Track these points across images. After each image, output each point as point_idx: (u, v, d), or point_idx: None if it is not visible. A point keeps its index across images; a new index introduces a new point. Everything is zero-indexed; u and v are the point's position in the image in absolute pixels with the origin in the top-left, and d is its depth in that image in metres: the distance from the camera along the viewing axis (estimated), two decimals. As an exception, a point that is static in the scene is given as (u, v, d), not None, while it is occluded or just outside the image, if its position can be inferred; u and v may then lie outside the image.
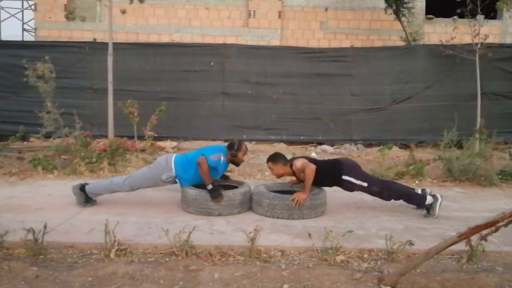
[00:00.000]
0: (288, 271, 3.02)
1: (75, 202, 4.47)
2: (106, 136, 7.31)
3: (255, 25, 11.82)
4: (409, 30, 10.90)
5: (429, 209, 4.34)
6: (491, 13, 9.03)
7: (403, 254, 3.30)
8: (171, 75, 9.00)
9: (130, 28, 11.63)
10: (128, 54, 8.90)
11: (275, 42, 11.61)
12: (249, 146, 7.21)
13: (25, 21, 16.39)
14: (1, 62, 8.84)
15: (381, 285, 2.81)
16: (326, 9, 11.91)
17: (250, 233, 3.23)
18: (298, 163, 4.34)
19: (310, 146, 8.93)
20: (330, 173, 4.44)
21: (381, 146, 7.04)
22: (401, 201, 4.52)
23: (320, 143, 8.98)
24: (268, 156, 4.67)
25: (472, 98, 8.16)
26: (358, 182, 4.40)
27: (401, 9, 10.39)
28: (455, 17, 8.47)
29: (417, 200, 4.46)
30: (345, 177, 4.40)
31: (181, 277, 2.93)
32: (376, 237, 3.73)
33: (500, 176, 6.03)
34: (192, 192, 4.29)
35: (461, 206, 4.89)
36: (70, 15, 11.65)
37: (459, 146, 6.42)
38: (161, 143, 8.23)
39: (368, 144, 8.92)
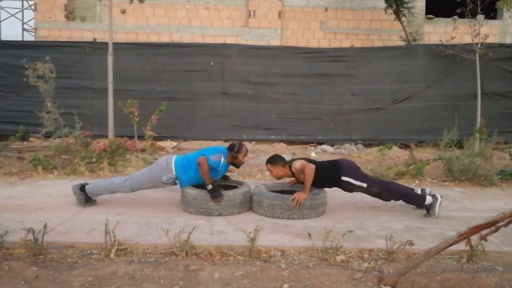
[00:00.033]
0: (288, 271, 3.02)
1: (75, 202, 4.47)
2: (106, 136, 7.31)
3: (255, 25, 11.82)
4: (409, 30, 10.90)
5: (429, 209, 4.34)
6: (491, 13, 9.04)
7: (403, 254, 3.30)
8: (171, 75, 9.00)
9: (130, 28, 11.63)
10: (128, 54, 8.90)
11: (275, 42, 11.61)
12: (249, 146, 7.24)
13: (25, 21, 16.39)
14: (1, 62, 8.84)
15: (381, 285, 2.81)
16: (326, 9, 11.91)
17: (250, 233, 3.23)
18: (297, 164, 4.34)
19: (310, 146, 8.93)
20: (329, 174, 4.44)
21: (381, 146, 7.03)
22: (401, 201, 4.52)
23: (320, 143, 8.98)
24: (267, 158, 4.67)
25: (472, 98, 8.16)
26: (358, 183, 4.40)
27: (401, 9, 10.39)
28: (455, 17, 8.47)
29: (416, 200, 4.46)
30: (344, 178, 4.40)
31: (181, 277, 2.93)
32: (376, 237, 3.73)
33: (500, 176, 6.03)
34: (192, 192, 4.29)
35: (461, 206, 4.89)
36: (70, 15, 11.65)
37: (459, 146, 6.41)
38: (161, 143, 8.23)
39: (368, 144, 8.92)
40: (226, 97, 9.06)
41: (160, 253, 3.33)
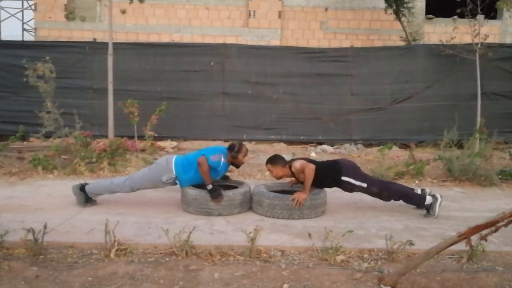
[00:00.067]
0: (288, 271, 3.02)
1: (75, 202, 4.47)
2: (106, 136, 7.31)
3: (255, 25, 11.82)
4: (409, 30, 10.90)
5: (429, 209, 4.34)
6: (491, 13, 9.04)
7: (403, 254, 3.30)
8: (171, 75, 9.00)
9: (130, 28, 11.63)
10: (128, 54, 8.90)
11: (275, 42, 11.61)
12: (249, 146, 7.23)
13: (25, 21, 16.39)
14: (1, 62, 8.84)
15: (381, 285, 2.81)
16: (326, 9, 11.91)
17: (250, 233, 3.23)
18: (297, 164, 4.34)
19: (310, 146, 8.93)
20: (329, 174, 4.44)
21: (381, 146, 7.03)
22: (401, 201, 4.52)
23: (320, 143, 8.98)
24: (267, 158, 4.67)
25: (472, 98, 8.16)
26: (358, 183, 4.40)
27: (401, 9, 10.39)
28: (455, 17, 8.47)
29: (416, 200, 4.46)
30: (344, 178, 4.40)
31: (181, 277, 2.93)
32: (376, 237, 3.73)
33: (500, 176, 6.03)
34: (192, 192, 4.29)
35: (461, 206, 4.89)
36: (70, 15, 11.65)
37: (459, 146, 6.41)
38: (161, 143, 8.23)
39: (368, 144, 8.92)
40: (226, 97, 9.06)
41: (160, 253, 3.33)
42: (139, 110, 7.03)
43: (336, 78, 9.07)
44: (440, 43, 8.67)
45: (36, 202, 4.63)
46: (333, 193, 4.64)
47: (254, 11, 11.80)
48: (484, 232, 2.73)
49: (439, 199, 4.35)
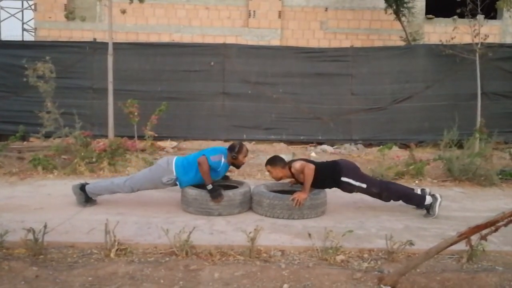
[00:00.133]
0: (288, 271, 3.02)
1: (75, 202, 4.47)
2: (106, 136, 7.31)
3: (255, 25, 11.82)
4: (409, 30, 10.90)
5: (429, 209, 4.34)
6: (491, 13, 9.04)
7: (403, 254, 3.30)
8: (171, 75, 9.01)
9: (130, 28, 11.63)
10: (128, 54, 8.90)
11: (275, 42, 11.61)
12: (249, 146, 7.24)
13: (25, 21, 16.39)
14: (1, 62, 8.85)
15: (381, 285, 2.81)
16: (326, 9, 11.91)
17: (250, 233, 3.23)
18: (297, 165, 4.34)
19: (310, 146, 8.93)
20: (329, 175, 4.43)
21: (381, 146, 7.03)
22: (400, 201, 4.52)
23: (320, 143, 8.98)
24: (267, 159, 4.67)
25: (472, 98, 8.16)
26: (357, 183, 4.40)
27: (401, 9, 10.39)
28: (455, 17, 8.48)
29: (416, 200, 4.46)
30: (344, 179, 4.40)
31: (181, 277, 2.93)
32: (376, 237, 3.73)
33: (500, 176, 6.03)
34: (192, 192, 4.29)
35: (461, 206, 4.89)
36: (70, 15, 11.65)
37: (459, 146, 6.41)
38: (161, 143, 8.23)
39: (368, 144, 8.92)
40: (226, 97, 9.06)
41: (160, 253, 3.33)
42: (139, 110, 7.03)
43: (336, 78, 9.07)
44: (440, 43, 8.67)
45: (36, 202, 4.63)
46: (333, 193, 4.64)
47: (254, 11, 11.80)
48: (484, 232, 2.73)
49: (439, 199, 4.35)
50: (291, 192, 4.32)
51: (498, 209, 3.87)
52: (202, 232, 3.70)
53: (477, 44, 7.94)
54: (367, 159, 7.70)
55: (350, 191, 4.49)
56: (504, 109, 8.88)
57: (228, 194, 4.26)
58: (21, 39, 14.28)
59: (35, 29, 11.99)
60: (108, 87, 7.31)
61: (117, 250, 3.26)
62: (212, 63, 9.01)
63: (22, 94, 8.51)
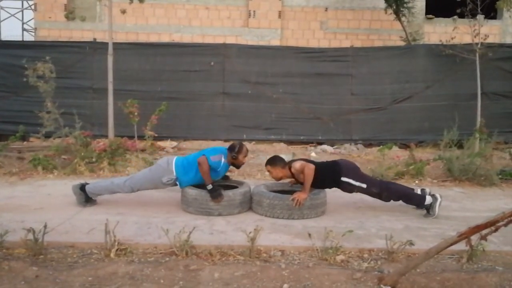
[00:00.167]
0: (288, 271, 3.02)
1: (75, 201, 4.47)
2: (106, 136, 7.32)
3: (255, 25, 11.82)
4: (409, 30, 10.90)
5: (429, 209, 4.34)
6: (491, 13, 9.04)
7: (403, 254, 3.30)
8: (171, 75, 9.01)
9: (130, 28, 11.63)
10: (128, 54, 8.90)
11: (275, 42, 11.61)
12: (249, 146, 7.24)
13: (25, 21, 16.39)
14: (1, 62, 8.85)
15: (381, 285, 2.81)
16: (326, 9, 11.91)
17: (250, 233, 3.23)
18: (297, 165, 4.34)
19: (310, 146, 8.93)
20: (329, 175, 4.43)
21: (381, 146, 7.03)
22: (400, 202, 4.52)
23: (320, 143, 8.98)
24: (266, 159, 4.67)
25: (472, 98, 8.16)
26: (357, 183, 4.40)
27: (401, 9, 10.39)
28: (455, 17, 8.48)
29: (416, 201, 4.46)
30: (344, 179, 4.40)
31: (181, 277, 2.94)
32: (376, 237, 3.73)
33: (500, 176, 6.03)
34: (192, 192, 4.29)
35: (461, 206, 4.89)
36: (70, 15, 11.65)
37: (459, 146, 6.41)
38: (161, 143, 8.23)
39: (368, 144, 8.92)
40: (226, 97, 9.06)
41: (160, 253, 3.33)
42: (139, 110, 7.03)
43: (336, 78, 9.07)
44: (440, 43, 8.67)
45: (36, 202, 4.63)
46: (333, 193, 4.64)
47: (254, 11, 11.80)
48: (484, 232, 2.73)
49: (439, 199, 4.34)
50: (291, 192, 4.32)
51: (498, 209, 3.88)
52: (202, 232, 3.70)
53: (477, 44, 7.94)
54: (367, 159, 7.70)
55: (350, 191, 4.49)
56: (504, 109, 8.88)
57: (228, 194, 4.26)
58: (21, 39, 14.28)
59: (35, 29, 11.99)
60: (108, 87, 7.31)
61: (117, 250, 3.26)
62: (212, 63, 9.01)
63: (22, 94, 8.51)
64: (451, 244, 2.75)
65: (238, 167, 4.66)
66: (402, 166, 6.39)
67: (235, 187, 4.51)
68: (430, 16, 11.88)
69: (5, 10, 15.85)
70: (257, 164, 6.86)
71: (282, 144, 8.92)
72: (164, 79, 9.00)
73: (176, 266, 3.07)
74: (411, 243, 3.20)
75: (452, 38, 8.32)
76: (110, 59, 7.29)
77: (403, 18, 10.54)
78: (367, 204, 4.70)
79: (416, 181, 6.06)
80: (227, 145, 4.64)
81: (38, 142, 7.43)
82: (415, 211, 4.49)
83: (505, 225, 2.64)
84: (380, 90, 9.04)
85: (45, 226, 3.23)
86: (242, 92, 9.02)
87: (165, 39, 11.52)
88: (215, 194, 4.19)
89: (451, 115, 7.41)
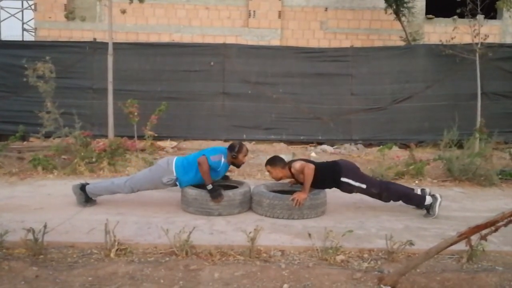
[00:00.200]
0: (288, 271, 3.02)
1: (75, 202, 4.47)
2: (106, 136, 7.31)
3: (255, 25, 11.82)
4: (409, 30, 10.90)
5: (429, 209, 4.34)
6: (491, 13, 9.04)
7: (403, 254, 3.30)
8: (171, 75, 9.01)
9: (130, 28, 11.63)
10: (128, 54, 8.90)
11: (275, 42, 11.61)
12: (249, 146, 7.23)
13: (25, 21, 16.39)
14: (1, 62, 8.85)
15: (381, 285, 2.81)
16: (326, 9, 11.91)
17: (250, 233, 3.23)
18: (297, 165, 4.34)
19: (310, 146, 8.93)
20: (328, 175, 4.43)
21: (381, 146, 7.03)
22: (400, 202, 4.52)
23: (320, 143, 8.98)
24: (266, 159, 4.67)
25: (472, 98, 8.16)
26: (357, 184, 4.40)
27: (401, 9, 10.39)
28: (455, 17, 8.48)
29: (416, 201, 4.46)
30: (343, 179, 4.40)
31: (181, 277, 2.94)
32: (376, 237, 3.73)
33: (500, 176, 6.03)
34: (192, 192, 4.29)
35: (461, 206, 4.89)
36: (70, 15, 11.65)
37: (459, 146, 6.42)
38: (161, 143, 8.23)
39: (368, 144, 8.92)
40: (226, 97, 9.06)
41: (160, 253, 3.33)
42: (139, 110, 7.02)
43: (336, 78, 9.07)
44: (440, 43, 8.67)
45: (36, 202, 4.63)
46: (333, 193, 4.64)
47: (254, 11, 11.80)
48: (484, 232, 2.73)
49: (439, 199, 4.34)
50: (291, 192, 4.32)
51: (498, 209, 3.88)
52: (202, 232, 3.70)
53: (477, 44, 7.94)
54: (367, 159, 7.70)
55: (350, 192, 4.49)
56: (504, 109, 8.88)
57: (228, 194, 4.26)
58: (21, 39, 14.28)
59: (35, 29, 11.99)
60: (108, 87, 7.31)
61: (117, 250, 3.26)
62: (212, 63, 9.01)
63: (22, 94, 8.51)
64: (451, 244, 2.75)
65: (238, 166, 4.66)
66: (402, 166, 6.39)
67: (235, 187, 4.51)
68: (430, 16, 11.88)
69: (5, 10, 15.86)
70: (257, 164, 6.86)
71: (282, 144, 8.92)
72: (164, 79, 9.00)
73: (176, 266, 3.07)
74: (411, 243, 3.20)
75: (452, 38, 8.32)
76: (110, 59, 7.29)
77: (403, 18, 10.54)
78: (367, 204, 4.70)
79: (416, 181, 6.06)
80: (227, 145, 4.64)
81: (38, 142, 7.43)
82: (415, 211, 4.49)
83: (505, 225, 2.64)
84: (380, 90, 9.04)
85: (45, 226, 3.23)
86: (242, 92, 9.02)
87: (165, 39, 11.52)
88: (215, 194, 4.19)
89: (451, 115, 7.41)
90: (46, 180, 5.75)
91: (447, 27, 10.26)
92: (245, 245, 3.30)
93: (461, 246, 2.94)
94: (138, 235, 3.64)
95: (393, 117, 8.97)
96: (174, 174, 4.36)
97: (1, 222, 3.81)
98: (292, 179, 4.60)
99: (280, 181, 4.67)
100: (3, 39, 13.04)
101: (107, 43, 7.46)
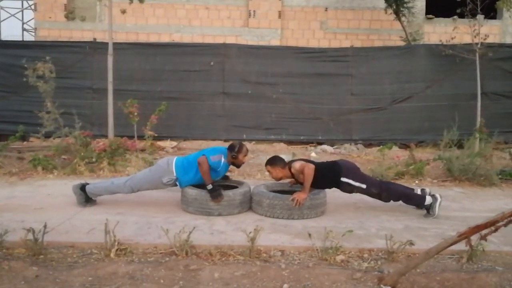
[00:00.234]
0: (288, 271, 3.02)
1: (75, 201, 4.47)
2: (106, 136, 7.32)
3: (255, 25, 11.82)
4: (409, 30, 10.90)
5: (429, 209, 4.34)
6: (491, 13, 9.03)
7: (403, 254, 3.30)
8: (171, 75, 9.01)
9: (130, 28, 11.63)
10: (128, 54, 8.90)
11: (275, 42, 11.61)
12: (249, 146, 7.23)
13: (25, 21, 16.40)
14: (1, 62, 8.86)
15: (381, 285, 2.81)
16: (326, 9, 11.91)
17: (250, 233, 3.23)
18: (297, 165, 4.34)
19: (310, 146, 8.93)
20: (328, 175, 4.43)
21: (381, 146, 7.03)
22: (400, 202, 4.52)
23: (320, 143, 8.99)
24: (266, 159, 4.67)
25: (472, 98, 8.17)
26: (357, 184, 4.40)
27: (401, 9, 10.39)
28: (455, 17, 8.48)
29: (416, 201, 4.46)
30: (343, 179, 4.40)
31: (181, 277, 2.94)
32: (376, 237, 3.73)
33: (500, 176, 6.03)
34: (192, 192, 4.29)
35: (461, 206, 4.89)
36: (70, 15, 11.65)
37: (459, 146, 6.42)
38: (161, 143, 8.23)
39: (368, 144, 8.92)
40: (226, 97, 9.07)
41: (160, 253, 3.34)
42: (139, 110, 7.01)
43: (336, 78, 9.07)
44: (440, 43, 8.67)
45: (36, 202, 4.63)
46: (333, 193, 4.64)
47: (254, 11, 11.80)
48: (484, 232, 2.73)
49: (439, 199, 4.34)
50: (291, 192, 4.32)
51: (498, 209, 3.87)
52: (202, 232, 3.70)
53: (477, 44, 7.94)
54: (367, 159, 7.70)
55: (350, 192, 4.49)
56: (504, 109, 8.88)
57: (228, 194, 4.26)
58: (21, 39, 14.29)
59: (35, 29, 11.99)
60: (108, 87, 7.31)
61: (117, 250, 3.26)
62: (212, 63, 9.01)
63: (22, 94, 8.51)
64: (451, 244, 2.75)
65: (238, 166, 4.66)
66: (402, 166, 6.39)
67: (235, 187, 4.51)
68: (430, 16, 11.88)
69: (5, 10, 15.86)
70: (257, 164, 6.86)
71: (282, 144, 8.92)
72: (164, 79, 9.01)
73: (176, 266, 3.07)
74: (411, 243, 3.20)
75: (452, 38, 8.31)
76: (110, 59, 7.29)
77: (403, 18, 10.54)
78: (367, 204, 4.70)
79: (416, 181, 6.06)
80: (227, 145, 4.64)
81: (38, 142, 7.43)
82: (415, 211, 4.49)
83: (505, 225, 2.64)
84: (380, 90, 9.04)
85: (45, 226, 3.23)
86: (242, 92, 9.02)
87: (165, 39, 11.52)
88: (215, 194, 4.18)
89: (451, 115, 7.40)
90: (46, 180, 5.75)
91: (447, 27, 10.26)
92: (245, 245, 3.30)
93: (461, 246, 2.94)
94: (138, 235, 3.64)
95: (393, 117, 8.97)
96: (174, 174, 4.36)
97: (1, 222, 3.81)
98: (292, 179, 4.60)
99: (280, 181, 4.67)
100: (3, 39, 13.04)
101: (107, 43, 7.46)
